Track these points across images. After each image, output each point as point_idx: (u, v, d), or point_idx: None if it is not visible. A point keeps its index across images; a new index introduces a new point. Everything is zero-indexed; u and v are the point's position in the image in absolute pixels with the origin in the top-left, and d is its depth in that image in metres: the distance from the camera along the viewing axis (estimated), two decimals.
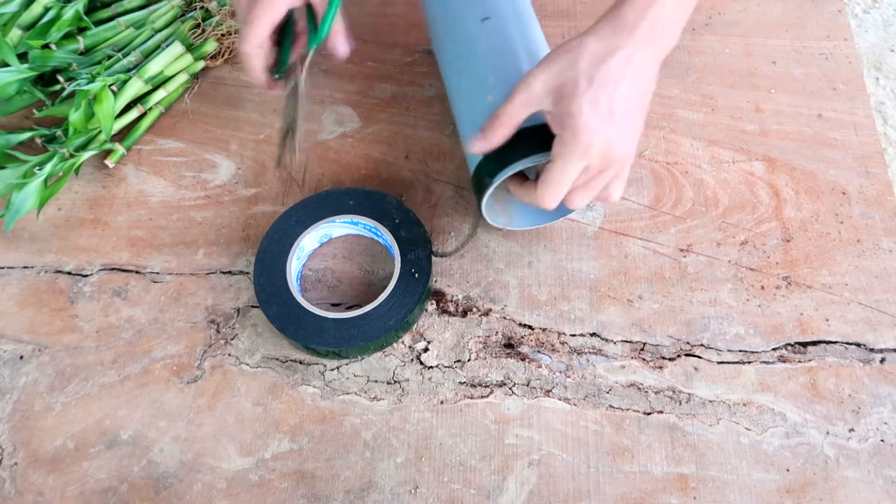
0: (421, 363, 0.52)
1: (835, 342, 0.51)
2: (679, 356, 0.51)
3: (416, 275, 0.51)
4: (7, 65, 0.60)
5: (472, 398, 0.50)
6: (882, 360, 0.51)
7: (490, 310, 0.53)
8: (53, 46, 0.62)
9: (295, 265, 0.53)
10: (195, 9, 0.67)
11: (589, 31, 0.42)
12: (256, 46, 0.47)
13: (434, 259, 0.54)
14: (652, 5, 0.41)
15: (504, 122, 0.44)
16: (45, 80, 0.63)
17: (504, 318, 0.53)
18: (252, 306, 0.54)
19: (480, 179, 0.48)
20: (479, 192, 0.48)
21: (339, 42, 0.49)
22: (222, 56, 0.66)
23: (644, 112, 0.43)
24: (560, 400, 0.50)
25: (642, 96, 0.42)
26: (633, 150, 0.43)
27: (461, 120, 0.53)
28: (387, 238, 0.54)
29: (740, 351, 0.51)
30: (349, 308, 0.54)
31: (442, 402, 0.50)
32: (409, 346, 0.52)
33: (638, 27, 0.41)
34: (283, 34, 0.50)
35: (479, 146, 0.46)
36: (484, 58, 0.51)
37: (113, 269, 0.56)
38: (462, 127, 0.53)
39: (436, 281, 0.55)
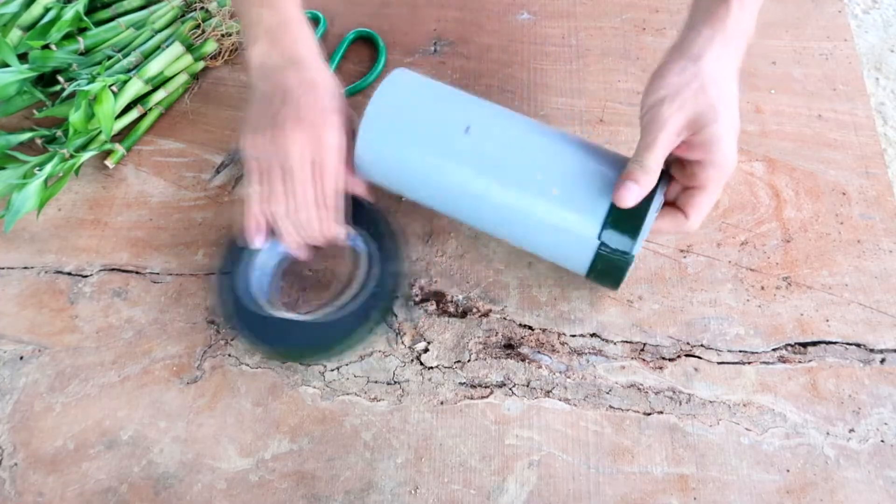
0: (421, 364, 0.52)
1: (835, 343, 0.51)
2: (679, 357, 0.51)
3: (380, 289, 0.51)
4: (7, 65, 0.60)
5: (472, 399, 0.50)
6: (882, 361, 0.51)
7: (490, 310, 0.53)
8: (53, 47, 0.62)
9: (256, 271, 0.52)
10: (195, 9, 0.67)
11: (697, 47, 0.42)
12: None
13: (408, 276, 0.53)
14: (742, 13, 0.42)
15: (654, 167, 0.43)
16: (45, 80, 0.63)
17: (504, 318, 0.53)
18: None
19: (625, 236, 0.44)
20: (625, 254, 0.45)
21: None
22: (222, 56, 0.66)
23: None
24: (560, 400, 0.50)
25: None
26: None
27: (529, 226, 0.47)
28: (361, 245, 0.53)
29: (740, 351, 0.51)
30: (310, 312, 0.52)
31: (442, 403, 0.50)
32: (409, 347, 0.52)
33: (735, 37, 0.43)
34: None
35: (634, 196, 0.43)
36: (516, 160, 0.46)
37: (113, 269, 0.56)
38: (531, 234, 0.48)
39: (435, 282, 0.55)
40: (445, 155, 0.47)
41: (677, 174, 0.46)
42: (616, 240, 0.44)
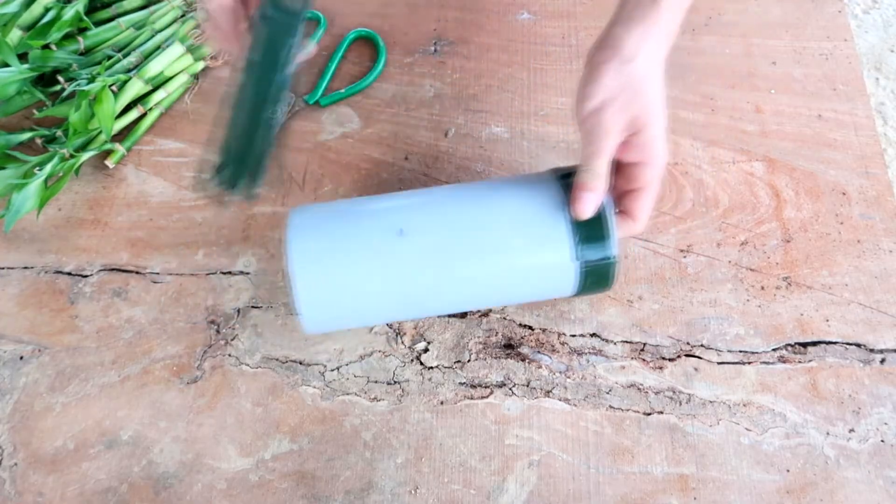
0: (421, 364, 0.52)
1: (835, 343, 0.51)
2: (679, 357, 0.51)
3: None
4: (7, 65, 0.60)
5: (472, 399, 0.50)
6: (882, 361, 0.51)
7: (490, 310, 0.53)
8: (54, 47, 0.62)
9: None
10: (196, 9, 0.67)
11: (630, 46, 0.42)
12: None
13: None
14: (672, 14, 0.43)
15: (604, 173, 0.43)
16: (45, 80, 0.63)
17: (504, 318, 0.53)
18: (252, 307, 0.54)
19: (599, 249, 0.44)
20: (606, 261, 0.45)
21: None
22: (222, 57, 0.66)
23: None
24: (560, 400, 0.50)
25: None
26: None
27: (506, 285, 0.46)
28: None
29: (740, 351, 0.51)
30: None
31: (442, 403, 0.50)
32: (409, 347, 0.52)
33: (664, 36, 0.43)
34: None
35: (593, 205, 0.43)
36: (464, 232, 0.45)
37: (113, 269, 0.56)
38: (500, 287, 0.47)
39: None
40: (396, 266, 0.44)
41: (616, 179, 0.46)
42: (594, 252, 0.44)
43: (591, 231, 0.44)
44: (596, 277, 0.46)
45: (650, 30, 0.42)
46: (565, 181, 0.45)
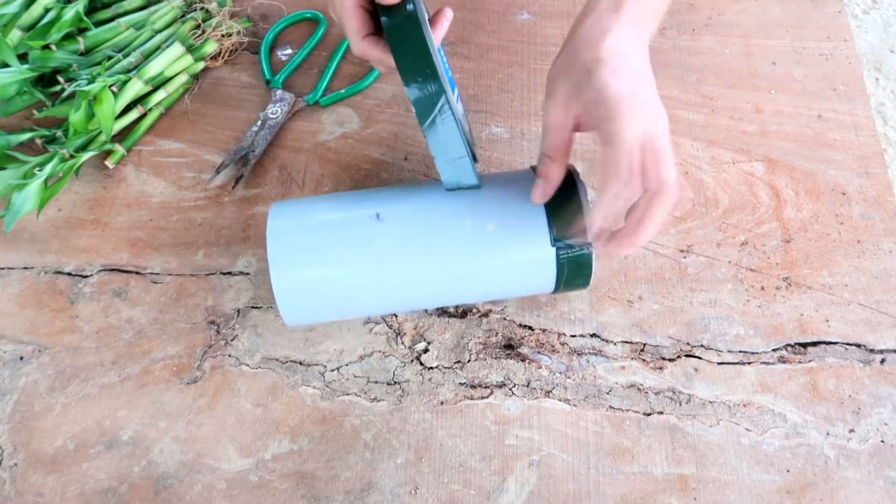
0: (421, 364, 0.52)
1: (835, 343, 0.51)
2: (679, 357, 0.51)
3: None
4: (7, 65, 0.60)
5: (472, 399, 0.50)
6: (882, 361, 0.51)
7: (490, 311, 0.53)
8: (54, 47, 0.62)
9: None
10: (195, 10, 0.67)
11: (583, 34, 0.41)
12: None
13: None
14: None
15: (552, 153, 0.42)
16: (45, 80, 0.63)
17: (504, 318, 0.53)
18: (252, 307, 0.54)
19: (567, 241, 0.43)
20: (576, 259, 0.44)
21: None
22: (222, 57, 0.66)
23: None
24: (560, 401, 0.50)
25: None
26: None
27: (484, 274, 0.46)
28: None
29: (740, 352, 0.51)
30: None
31: (442, 403, 0.50)
32: (409, 347, 0.52)
33: (631, 18, 0.41)
34: None
35: (539, 192, 0.43)
36: (441, 219, 0.44)
37: (113, 269, 0.56)
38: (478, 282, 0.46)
39: None
40: (372, 251, 0.44)
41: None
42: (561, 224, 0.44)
43: (567, 218, 0.43)
44: (574, 268, 0.45)
45: (608, 17, 0.41)
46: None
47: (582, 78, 0.39)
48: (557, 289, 0.48)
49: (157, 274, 0.56)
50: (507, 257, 0.45)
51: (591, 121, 0.40)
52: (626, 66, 0.39)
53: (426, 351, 0.52)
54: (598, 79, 0.38)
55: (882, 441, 0.48)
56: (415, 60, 0.40)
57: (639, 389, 0.50)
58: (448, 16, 0.47)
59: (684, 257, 0.55)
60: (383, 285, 0.45)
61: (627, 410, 0.49)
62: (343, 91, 0.64)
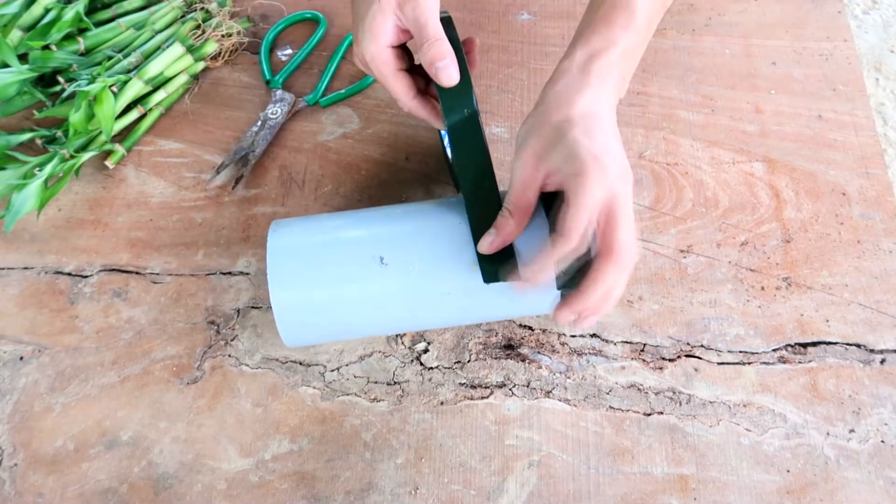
0: (421, 364, 0.52)
1: (835, 343, 0.51)
2: (679, 357, 0.51)
3: None
4: (7, 66, 0.60)
5: (472, 399, 0.50)
6: (882, 361, 0.51)
7: None
8: (54, 47, 0.62)
9: None
10: (196, 10, 0.67)
11: (553, 97, 0.42)
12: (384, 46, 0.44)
13: None
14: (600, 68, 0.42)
15: (511, 213, 0.41)
16: (45, 81, 0.63)
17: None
18: (252, 307, 0.54)
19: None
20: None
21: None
22: (222, 57, 0.66)
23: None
24: (560, 401, 0.50)
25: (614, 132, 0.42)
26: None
27: (484, 306, 0.46)
28: None
29: (740, 352, 0.51)
30: None
31: (442, 403, 0.50)
32: (409, 347, 0.52)
33: (603, 83, 0.42)
34: None
35: (486, 244, 0.42)
36: (443, 260, 0.44)
37: (113, 269, 0.56)
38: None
39: None
40: (378, 293, 0.44)
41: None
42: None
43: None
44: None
45: (578, 80, 0.42)
46: (547, 200, 0.43)
47: (553, 136, 0.40)
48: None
49: (157, 274, 0.56)
50: (513, 301, 0.45)
51: (559, 177, 0.39)
52: (597, 126, 0.40)
53: (426, 351, 0.52)
54: (569, 137, 0.39)
55: (882, 441, 0.48)
56: (469, 154, 0.44)
57: (639, 389, 0.50)
58: (476, 44, 0.49)
59: (684, 257, 0.55)
60: (386, 319, 0.46)
61: (627, 410, 0.49)
62: (343, 91, 0.64)
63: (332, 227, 0.47)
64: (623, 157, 0.40)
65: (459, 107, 0.44)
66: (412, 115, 0.49)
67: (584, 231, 0.37)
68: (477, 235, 0.43)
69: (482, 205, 0.43)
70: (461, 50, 0.44)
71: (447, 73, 0.42)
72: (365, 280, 0.44)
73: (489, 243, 0.42)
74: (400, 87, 0.46)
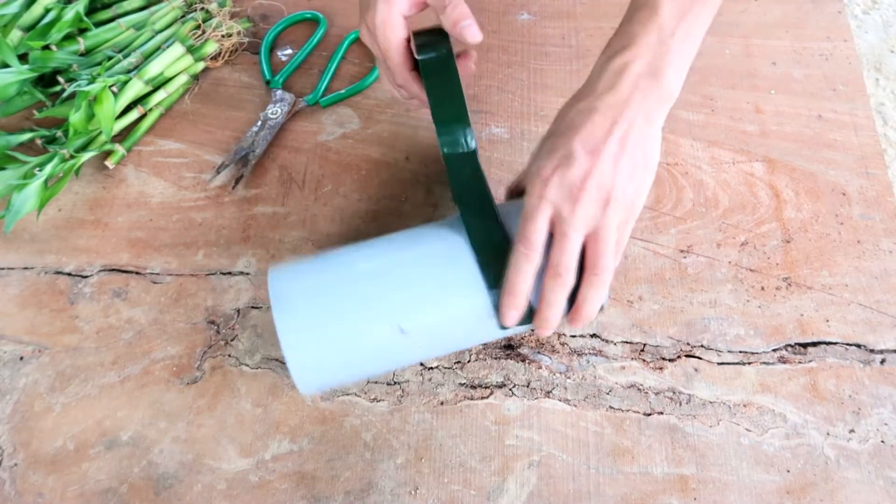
0: (421, 364, 0.51)
1: (835, 343, 0.51)
2: (679, 357, 0.51)
3: None
4: (7, 66, 0.60)
5: (472, 399, 0.50)
6: (882, 362, 0.51)
7: None
8: (54, 47, 0.62)
9: None
10: (196, 10, 0.67)
11: (572, 121, 0.44)
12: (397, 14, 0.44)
13: None
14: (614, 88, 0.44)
15: (530, 237, 0.41)
16: (45, 81, 0.63)
17: None
18: (252, 307, 0.54)
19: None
20: None
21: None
22: (223, 57, 0.66)
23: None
24: (560, 401, 0.50)
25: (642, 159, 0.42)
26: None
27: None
28: None
29: (740, 352, 0.51)
30: None
31: (442, 403, 0.50)
32: None
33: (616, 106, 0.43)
34: None
35: (515, 314, 0.42)
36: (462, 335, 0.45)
37: (113, 270, 0.56)
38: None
39: None
40: (396, 355, 0.44)
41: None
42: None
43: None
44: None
45: (598, 105, 0.43)
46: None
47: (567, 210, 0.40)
48: None
49: (157, 274, 0.56)
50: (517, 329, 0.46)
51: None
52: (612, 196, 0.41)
53: None
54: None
55: (882, 441, 0.48)
56: (466, 182, 0.44)
57: (639, 389, 0.50)
58: (474, 56, 0.50)
59: (684, 257, 0.55)
60: (402, 365, 0.49)
61: (627, 410, 0.49)
62: (343, 91, 0.64)
63: (341, 283, 0.44)
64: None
65: (461, 169, 0.44)
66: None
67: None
68: (481, 259, 0.43)
69: (483, 228, 0.43)
70: (455, 68, 0.44)
71: (471, 31, 0.43)
72: (386, 348, 0.43)
73: (515, 316, 0.42)
74: (400, 58, 0.46)
